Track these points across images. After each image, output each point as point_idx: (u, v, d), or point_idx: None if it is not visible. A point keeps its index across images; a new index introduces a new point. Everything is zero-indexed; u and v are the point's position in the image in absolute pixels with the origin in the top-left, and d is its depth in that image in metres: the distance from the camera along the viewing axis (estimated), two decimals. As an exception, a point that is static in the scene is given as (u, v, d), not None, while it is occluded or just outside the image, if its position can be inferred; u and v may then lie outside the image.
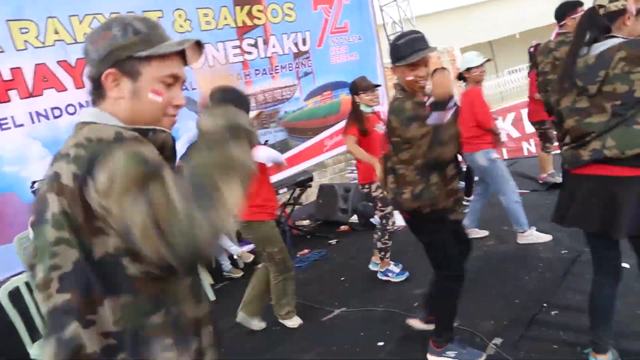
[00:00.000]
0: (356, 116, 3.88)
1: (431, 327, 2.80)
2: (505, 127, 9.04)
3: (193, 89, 6.11)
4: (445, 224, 2.56)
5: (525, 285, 3.38)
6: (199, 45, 1.16)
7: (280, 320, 3.63)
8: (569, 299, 3.07)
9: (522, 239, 4.10)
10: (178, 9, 6.15)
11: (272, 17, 7.40)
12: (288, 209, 5.87)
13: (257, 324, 3.63)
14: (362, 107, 3.87)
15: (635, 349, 2.44)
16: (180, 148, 4.63)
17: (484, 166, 4.06)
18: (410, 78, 2.40)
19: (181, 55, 1.13)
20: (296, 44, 7.73)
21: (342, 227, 5.87)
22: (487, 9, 22.86)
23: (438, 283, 2.71)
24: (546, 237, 4.02)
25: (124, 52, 1.05)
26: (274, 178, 6.34)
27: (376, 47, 8.37)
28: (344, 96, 8.05)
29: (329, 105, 8.14)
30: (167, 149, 1.17)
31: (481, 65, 4.05)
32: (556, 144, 4.83)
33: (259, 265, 3.71)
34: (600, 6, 1.96)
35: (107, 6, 5.25)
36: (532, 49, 5.04)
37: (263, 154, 3.50)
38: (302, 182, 5.86)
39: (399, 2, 7.90)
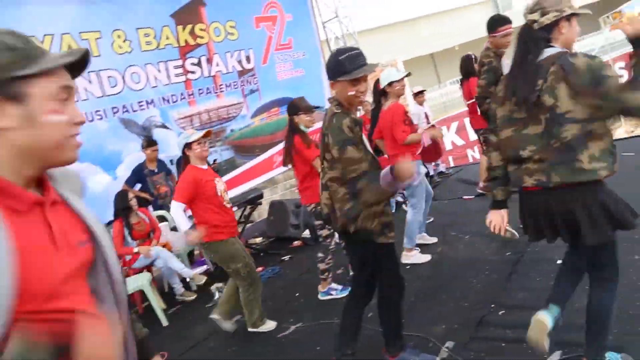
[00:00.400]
0: (302, 135, 3.87)
1: None
2: (450, 136, 9.36)
3: (134, 111, 6.00)
4: (371, 246, 2.51)
5: (473, 287, 3.48)
6: (85, 56, 0.99)
7: (255, 329, 3.63)
8: (514, 298, 3.18)
9: (405, 258, 4.22)
10: (117, 30, 6.02)
11: (215, 36, 7.38)
12: (240, 228, 5.80)
13: (228, 326, 3.70)
14: (302, 127, 3.88)
15: (574, 340, 2.53)
16: (123, 171, 4.52)
17: None
18: (352, 93, 2.40)
19: (67, 67, 0.97)
20: (240, 62, 7.73)
21: (295, 243, 5.86)
22: (427, 23, 23.73)
23: (381, 298, 2.72)
24: (426, 258, 4.18)
25: (2, 73, 0.87)
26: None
27: (321, 62, 8.50)
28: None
29: (276, 122, 8.16)
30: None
31: (401, 79, 4.13)
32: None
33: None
34: (534, 21, 2.01)
35: (40, 27, 5.09)
36: (469, 56, 5.29)
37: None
38: (253, 200, 5.83)
39: (341, 18, 8.06)
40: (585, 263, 2.20)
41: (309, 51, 8.51)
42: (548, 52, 1.97)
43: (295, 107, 3.92)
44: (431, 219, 5.14)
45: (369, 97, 5.13)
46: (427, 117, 6.65)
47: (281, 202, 6.36)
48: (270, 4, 8.10)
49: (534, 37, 2.01)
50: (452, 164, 9.03)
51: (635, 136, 7.09)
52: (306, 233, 5.83)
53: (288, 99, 8.32)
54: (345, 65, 2.36)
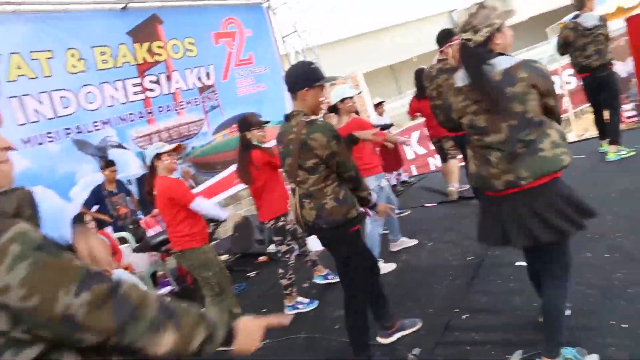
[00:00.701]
0: (260, 148, 3.84)
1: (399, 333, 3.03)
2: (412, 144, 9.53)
3: (89, 132, 5.86)
4: (362, 240, 2.75)
5: (438, 293, 3.52)
6: None
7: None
8: (477, 301, 3.23)
9: None
10: (71, 49, 5.90)
11: (174, 53, 7.32)
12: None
13: None
14: (255, 143, 3.86)
15: (535, 338, 2.60)
16: (78, 193, 4.40)
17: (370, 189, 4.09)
18: (322, 99, 2.59)
19: None
20: (200, 79, 7.69)
21: (261, 258, 5.81)
22: (387, 36, 24.22)
23: (348, 303, 2.74)
24: (391, 267, 4.18)
25: None
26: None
27: (281, 76, 8.53)
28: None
29: (238, 138, 8.13)
30: (25, 208, 1.03)
31: (353, 97, 4.12)
32: (460, 156, 5.14)
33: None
34: (468, 40, 2.09)
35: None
36: (422, 69, 5.41)
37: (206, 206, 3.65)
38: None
39: (300, 32, 8.13)
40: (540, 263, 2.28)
41: (270, 66, 8.55)
42: (506, 60, 2.03)
43: (247, 123, 3.88)
44: (408, 212, 5.35)
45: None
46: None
47: (245, 217, 6.31)
48: (229, 20, 8.11)
49: (475, 52, 2.08)
50: (415, 173, 9.19)
51: (585, 139, 7.39)
52: (271, 248, 5.79)
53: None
54: (317, 72, 2.57)
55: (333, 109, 4.11)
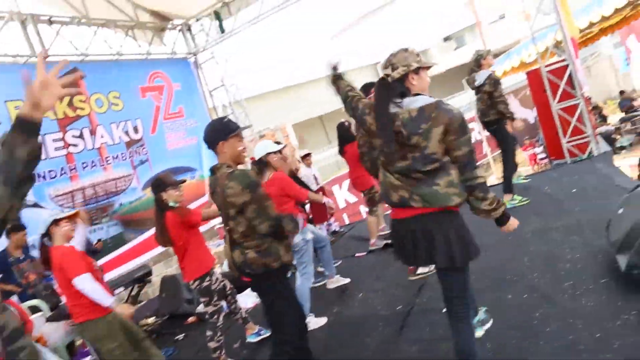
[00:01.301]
0: (174, 209, 3.69)
1: None
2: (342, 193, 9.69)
3: None
4: (289, 285, 2.84)
5: (368, 345, 3.50)
6: None
7: None
8: (407, 351, 3.24)
9: None
10: (-18, 104, 5.61)
11: (97, 107, 7.13)
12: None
13: None
14: (172, 204, 3.69)
15: None
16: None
17: (296, 243, 4.03)
18: (241, 147, 2.76)
19: None
20: (127, 133, 7.51)
21: (190, 319, 5.53)
22: (314, 87, 24.90)
23: (274, 348, 2.75)
24: (322, 321, 4.18)
25: None
26: (108, 276, 5.83)
27: (211, 130, 8.49)
28: (189, 180, 7.93)
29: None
30: None
31: (278, 151, 4.14)
32: (386, 205, 5.26)
33: None
34: (387, 75, 2.31)
35: None
36: (345, 123, 5.60)
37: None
38: (141, 278, 5.45)
39: (227, 86, 8.21)
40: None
41: (201, 119, 8.51)
42: (423, 99, 2.22)
43: (162, 183, 3.74)
44: (339, 262, 5.52)
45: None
46: (316, 178, 6.84)
47: (173, 276, 6.02)
48: (155, 74, 8.07)
49: (389, 88, 2.29)
50: (346, 222, 9.30)
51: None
52: (200, 308, 5.54)
53: (182, 168, 8.22)
54: (230, 124, 2.77)
55: (259, 162, 4.10)
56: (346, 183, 9.61)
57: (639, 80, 14.55)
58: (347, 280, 4.88)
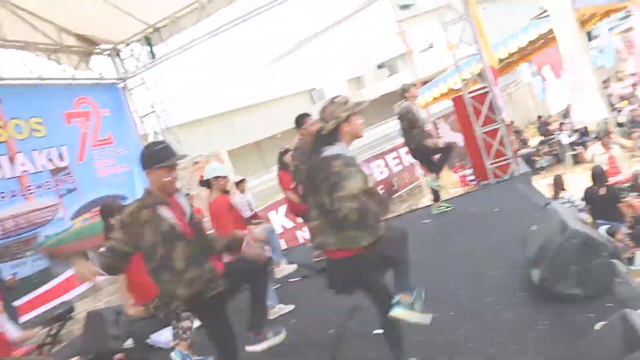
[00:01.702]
0: None
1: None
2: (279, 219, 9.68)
3: None
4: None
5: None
6: None
7: None
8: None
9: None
10: None
11: (17, 133, 6.76)
12: (46, 350, 4.97)
13: None
14: None
15: None
16: None
17: None
18: (167, 179, 2.67)
19: None
20: (52, 160, 7.15)
21: (117, 357, 5.19)
22: (249, 113, 24.93)
23: None
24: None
25: None
26: (34, 314, 5.44)
27: (142, 156, 8.26)
28: (121, 208, 7.61)
29: (101, 222, 7.58)
30: None
31: (227, 176, 4.32)
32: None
33: None
34: (322, 128, 2.53)
35: None
36: (282, 150, 5.68)
37: None
38: (61, 315, 5.05)
39: (158, 112, 8.05)
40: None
41: (131, 146, 8.25)
42: (334, 149, 2.46)
43: (110, 209, 3.85)
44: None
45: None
46: (249, 204, 6.79)
47: (98, 311, 5.56)
48: (81, 99, 7.78)
49: (319, 138, 2.56)
50: (284, 246, 9.25)
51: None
52: (129, 343, 5.24)
53: (115, 196, 7.86)
54: (161, 154, 2.67)
55: (206, 183, 4.25)
56: (282, 208, 9.61)
57: (555, 107, 15.72)
58: (291, 306, 4.69)
